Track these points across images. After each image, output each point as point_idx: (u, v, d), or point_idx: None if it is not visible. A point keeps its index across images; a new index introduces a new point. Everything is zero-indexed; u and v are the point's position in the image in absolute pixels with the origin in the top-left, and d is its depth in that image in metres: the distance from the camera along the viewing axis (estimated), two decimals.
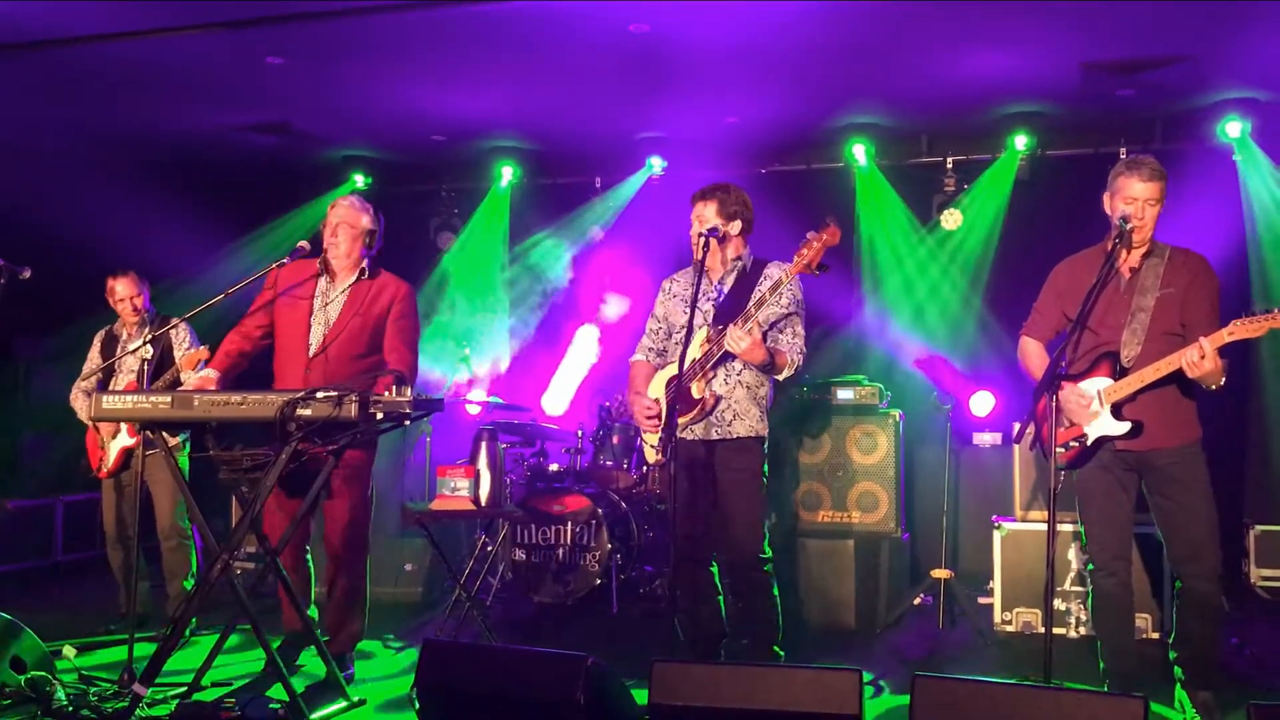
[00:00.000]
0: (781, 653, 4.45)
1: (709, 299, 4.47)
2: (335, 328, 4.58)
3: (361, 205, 4.73)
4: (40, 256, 5.12)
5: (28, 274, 4.82)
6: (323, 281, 4.69)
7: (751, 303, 4.22)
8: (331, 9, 5.64)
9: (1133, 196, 3.99)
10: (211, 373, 4.54)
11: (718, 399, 4.35)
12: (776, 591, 4.44)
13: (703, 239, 4.39)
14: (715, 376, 4.37)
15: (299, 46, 6.24)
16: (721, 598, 4.57)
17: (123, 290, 5.76)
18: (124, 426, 5.55)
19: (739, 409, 4.37)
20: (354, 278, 4.67)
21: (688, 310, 4.34)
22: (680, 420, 4.32)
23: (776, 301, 4.32)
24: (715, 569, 4.55)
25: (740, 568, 4.42)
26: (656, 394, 4.54)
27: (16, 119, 7.43)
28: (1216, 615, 4.03)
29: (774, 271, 4.44)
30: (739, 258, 4.52)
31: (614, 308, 8.15)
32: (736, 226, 4.47)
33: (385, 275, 4.75)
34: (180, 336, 5.65)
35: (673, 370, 4.34)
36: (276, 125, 7.71)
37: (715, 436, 4.38)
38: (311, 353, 4.57)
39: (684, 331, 4.35)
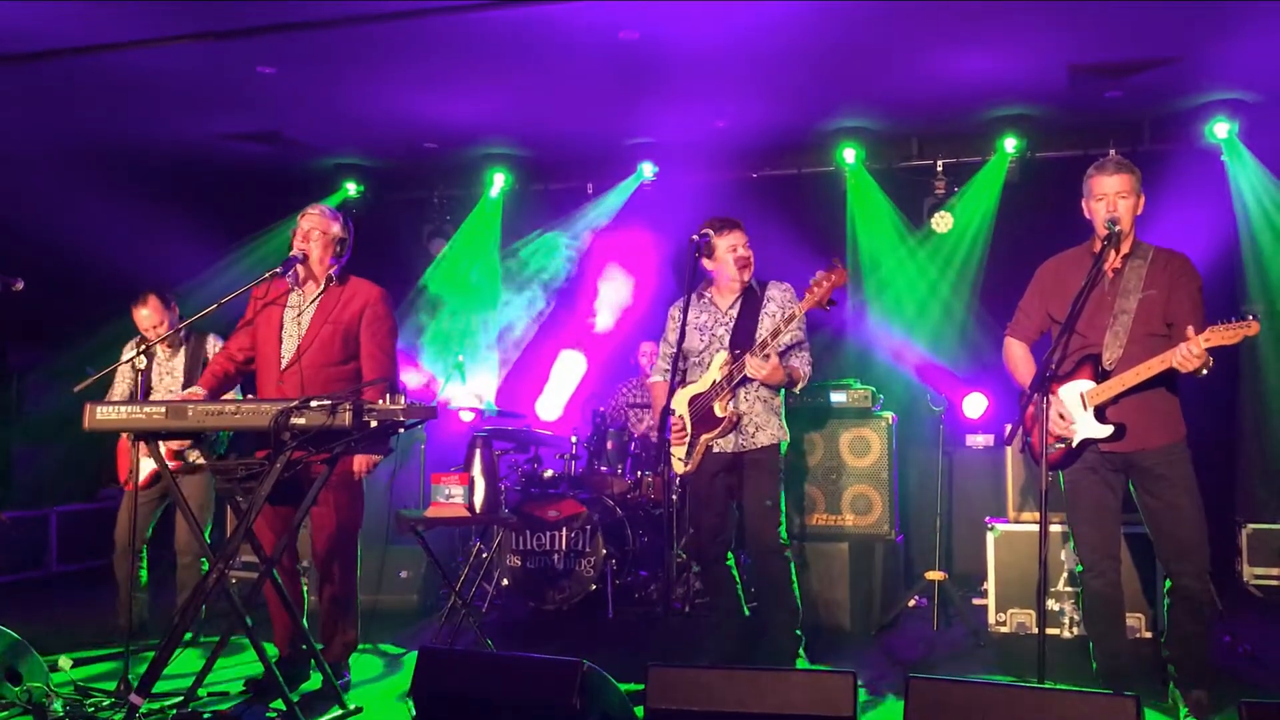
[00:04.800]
0: (802, 635, 4.80)
1: (721, 324, 4.83)
2: (307, 337, 4.57)
3: (331, 213, 4.72)
4: (33, 267, 5.12)
5: (20, 285, 4.82)
6: (295, 294, 4.70)
7: (768, 333, 4.59)
8: (322, 18, 5.65)
9: (1102, 192, 4.04)
10: (199, 389, 4.55)
11: (739, 416, 4.71)
12: (795, 576, 4.80)
13: (693, 244, 4.62)
14: (736, 396, 4.73)
15: (290, 56, 6.25)
16: (739, 587, 4.92)
17: (143, 320, 5.61)
18: (163, 449, 5.47)
19: (759, 421, 4.74)
20: (323, 286, 4.67)
21: (703, 335, 4.83)
22: (704, 436, 4.74)
23: (795, 328, 4.66)
24: (731, 561, 4.90)
25: (763, 555, 4.74)
26: (680, 410, 4.85)
27: (9, 129, 7.44)
28: (1207, 613, 4.05)
29: (776, 294, 4.81)
30: (746, 284, 4.84)
31: (614, 290, 8.17)
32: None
33: (356, 281, 4.72)
34: (212, 349, 5.62)
35: (694, 389, 4.82)
36: (268, 134, 7.73)
37: (742, 449, 4.75)
38: (283, 364, 4.56)
39: (699, 354, 4.84)
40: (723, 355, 4.71)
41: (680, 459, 4.85)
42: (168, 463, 5.39)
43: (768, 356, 4.52)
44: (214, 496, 5.68)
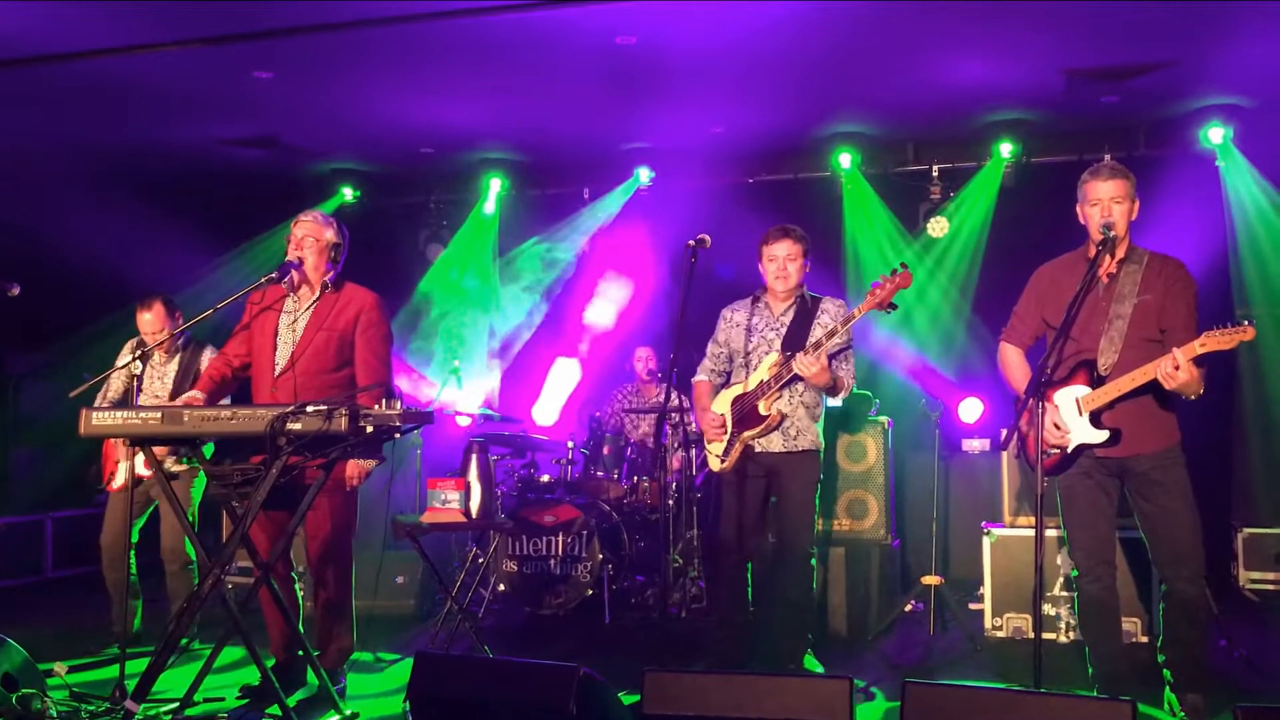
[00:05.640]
0: (811, 637, 4.98)
1: (773, 328, 4.95)
2: (301, 344, 4.57)
3: (325, 219, 4.72)
4: (30, 271, 5.12)
5: (17, 290, 4.81)
6: (290, 299, 4.69)
7: (823, 333, 4.72)
8: (319, 23, 5.65)
9: (1097, 198, 4.06)
10: (198, 394, 4.55)
11: (783, 416, 4.82)
12: (815, 582, 5.03)
13: (689, 249, 4.58)
14: (781, 397, 4.84)
15: (287, 61, 6.26)
16: (749, 592, 5.04)
17: (146, 324, 5.59)
18: (140, 459, 5.48)
19: (801, 426, 4.87)
20: (318, 293, 4.66)
21: (751, 337, 4.96)
22: (744, 434, 4.85)
23: (844, 335, 4.79)
24: (749, 567, 5.01)
25: (792, 558, 4.88)
26: (721, 410, 4.98)
27: (5, 134, 7.43)
28: (1202, 617, 4.06)
29: (830, 307, 4.94)
30: (800, 293, 4.98)
31: (610, 293, 8.20)
32: (808, 266, 4.98)
33: (351, 287, 4.72)
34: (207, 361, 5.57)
35: (737, 389, 4.94)
36: (265, 139, 7.73)
37: (783, 449, 4.86)
38: (277, 371, 4.55)
39: (746, 355, 4.96)
40: (774, 356, 4.83)
41: (717, 455, 4.96)
42: (144, 470, 5.43)
43: (819, 357, 4.61)
44: (197, 500, 5.66)
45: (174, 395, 5.50)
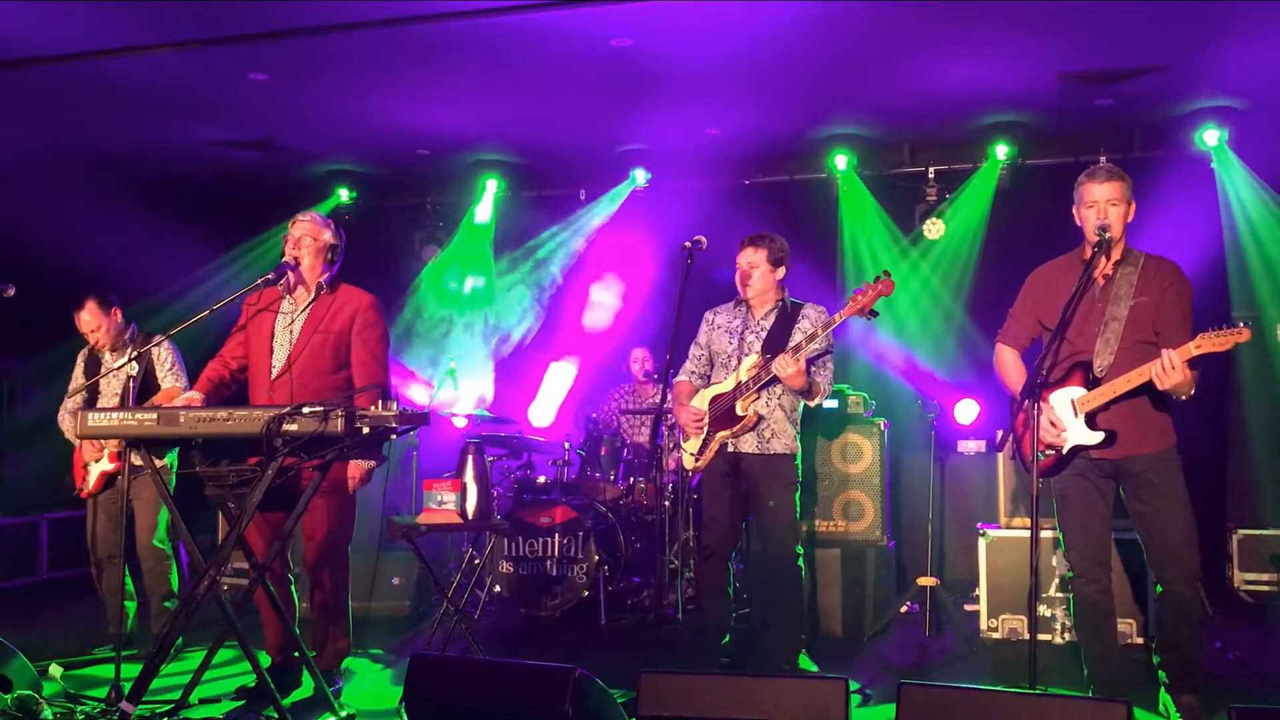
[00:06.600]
0: (804, 639, 5.04)
1: (753, 332, 5.01)
2: (297, 347, 4.55)
3: (323, 220, 4.71)
4: (24, 274, 5.11)
5: (11, 292, 4.80)
6: (286, 301, 4.68)
7: (803, 336, 4.77)
8: (314, 25, 5.65)
9: (1093, 199, 4.07)
10: (196, 394, 4.53)
11: (759, 418, 4.86)
12: (804, 580, 5.09)
13: (685, 250, 4.71)
14: (759, 399, 4.87)
15: (282, 63, 6.25)
16: (730, 590, 5.10)
17: (83, 324, 5.57)
18: (106, 451, 5.49)
19: (777, 429, 4.90)
20: (314, 294, 4.65)
21: (732, 339, 5.01)
22: (719, 434, 4.90)
23: (824, 339, 4.83)
24: (730, 569, 5.06)
25: (778, 562, 4.91)
26: (700, 406, 5.03)
27: (1, 135, 7.42)
28: (1197, 618, 4.06)
29: (811, 313, 4.98)
30: (780, 299, 5.03)
31: (606, 295, 8.21)
32: (781, 272, 5.03)
33: (346, 289, 4.71)
34: (163, 356, 5.55)
35: (716, 389, 4.99)
36: (260, 141, 7.72)
37: (756, 451, 4.89)
38: (274, 374, 4.54)
39: (726, 356, 5.00)
40: (754, 358, 4.88)
41: (692, 454, 5.00)
42: (109, 465, 5.43)
43: (798, 359, 4.65)
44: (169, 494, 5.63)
45: (125, 395, 5.44)
